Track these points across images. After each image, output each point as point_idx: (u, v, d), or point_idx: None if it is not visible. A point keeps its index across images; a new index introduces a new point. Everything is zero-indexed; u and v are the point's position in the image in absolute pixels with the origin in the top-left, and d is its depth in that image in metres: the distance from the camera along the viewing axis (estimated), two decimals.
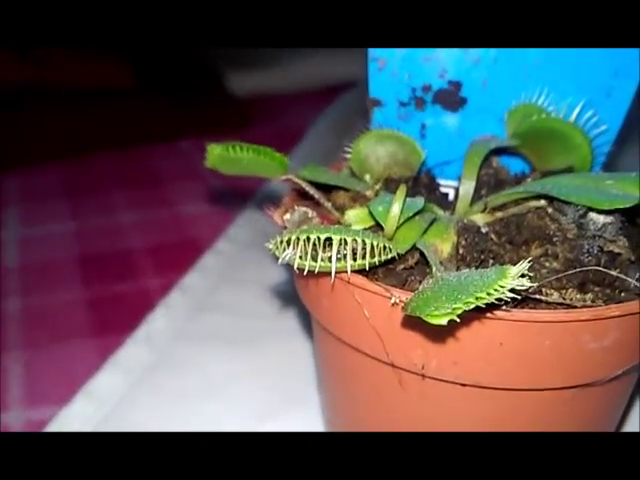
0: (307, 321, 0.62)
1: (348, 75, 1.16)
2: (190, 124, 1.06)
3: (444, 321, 0.27)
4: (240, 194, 0.87)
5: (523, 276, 0.27)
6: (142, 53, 1.20)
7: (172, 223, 0.83)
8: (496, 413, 0.35)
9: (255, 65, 1.23)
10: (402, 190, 0.34)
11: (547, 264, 0.35)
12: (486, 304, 0.29)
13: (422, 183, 0.44)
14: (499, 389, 0.33)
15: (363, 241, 0.32)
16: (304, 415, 0.51)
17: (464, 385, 0.33)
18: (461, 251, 0.35)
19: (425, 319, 0.27)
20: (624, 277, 0.32)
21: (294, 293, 0.65)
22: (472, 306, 0.27)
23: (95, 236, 0.80)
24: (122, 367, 0.57)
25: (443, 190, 0.45)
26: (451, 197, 0.46)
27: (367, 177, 0.42)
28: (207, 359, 0.58)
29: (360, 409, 0.40)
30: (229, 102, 1.15)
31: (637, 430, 0.48)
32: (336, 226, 0.33)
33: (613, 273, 0.32)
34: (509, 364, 0.32)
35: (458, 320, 0.27)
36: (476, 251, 0.35)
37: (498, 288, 0.27)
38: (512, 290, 0.27)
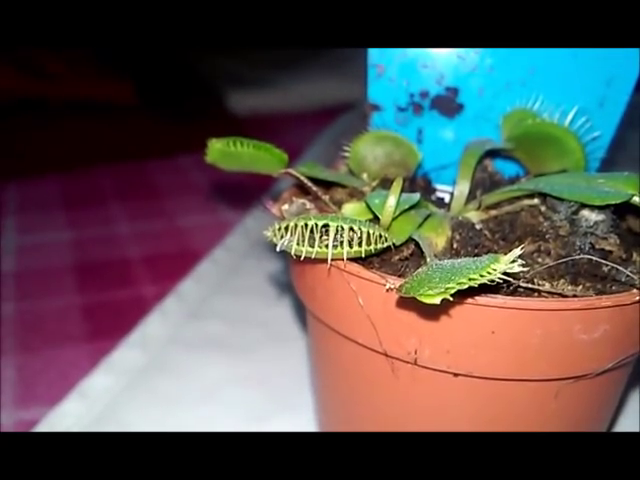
0: (301, 327, 0.62)
1: (346, 97, 1.17)
2: (189, 141, 1.07)
3: (437, 300, 0.27)
4: (238, 206, 0.88)
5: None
6: (144, 70, 1.22)
7: (169, 234, 0.83)
8: (487, 404, 0.35)
9: (255, 85, 1.25)
10: (398, 182, 0.34)
11: (540, 260, 0.36)
12: (479, 292, 0.30)
13: (418, 185, 0.44)
14: (490, 379, 0.33)
15: (360, 229, 0.32)
16: (297, 419, 0.52)
17: (456, 375, 0.34)
18: (455, 245, 0.36)
19: (419, 298, 0.28)
20: (617, 267, 0.32)
21: (289, 301, 0.66)
22: (465, 286, 0.27)
23: (91, 245, 0.81)
24: (115, 369, 0.57)
25: (439, 195, 0.46)
26: (447, 201, 0.46)
27: (364, 176, 0.43)
28: (200, 363, 0.58)
29: (353, 401, 0.40)
30: (228, 120, 1.16)
31: (634, 429, 0.49)
32: (333, 214, 0.34)
33: (604, 262, 0.33)
34: (500, 353, 0.32)
35: (451, 299, 0.27)
36: (470, 246, 0.36)
37: (491, 271, 0.27)
38: (505, 274, 0.28)
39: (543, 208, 0.37)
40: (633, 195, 0.34)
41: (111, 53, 1.26)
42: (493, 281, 0.27)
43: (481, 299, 0.31)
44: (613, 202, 0.34)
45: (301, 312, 0.63)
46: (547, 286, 0.33)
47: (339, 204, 0.40)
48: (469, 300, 0.31)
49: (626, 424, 0.49)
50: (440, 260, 0.32)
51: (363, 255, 0.33)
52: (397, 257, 0.35)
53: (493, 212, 0.39)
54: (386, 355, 0.35)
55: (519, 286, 0.33)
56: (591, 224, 0.36)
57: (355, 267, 0.33)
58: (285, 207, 0.37)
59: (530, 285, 0.32)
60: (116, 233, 0.84)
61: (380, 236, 0.33)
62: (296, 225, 0.33)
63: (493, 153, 0.45)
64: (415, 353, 0.33)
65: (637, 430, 0.49)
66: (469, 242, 0.36)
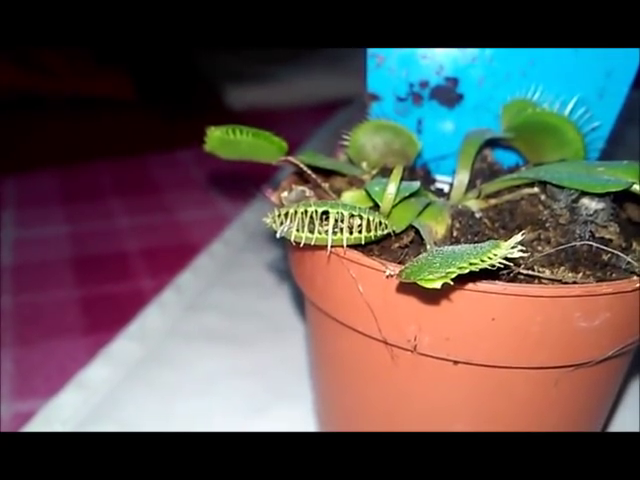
0: (299, 319, 0.62)
1: (345, 92, 1.17)
2: (187, 136, 1.07)
3: (438, 285, 0.27)
4: (236, 200, 0.87)
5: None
6: (142, 65, 1.22)
7: (167, 228, 0.83)
8: (487, 392, 0.35)
9: (253, 80, 1.25)
10: (398, 170, 0.34)
11: (540, 248, 0.35)
12: (479, 278, 0.30)
13: (418, 175, 0.44)
14: (490, 366, 0.33)
15: (360, 215, 0.32)
16: (295, 409, 0.51)
17: (456, 363, 0.34)
18: (455, 233, 0.36)
19: (419, 283, 0.27)
20: (618, 253, 0.32)
21: (287, 292, 0.66)
22: (466, 271, 0.27)
23: (90, 239, 0.81)
24: (113, 361, 0.57)
25: (438, 185, 0.46)
26: (446, 191, 0.46)
27: (364, 165, 0.43)
28: (198, 355, 0.58)
29: (352, 390, 0.40)
30: (227, 115, 1.16)
31: (634, 419, 0.49)
32: (333, 201, 0.34)
33: (605, 249, 0.33)
34: (500, 340, 0.32)
35: (452, 283, 0.27)
36: (470, 234, 0.36)
37: (492, 256, 0.27)
38: (506, 259, 0.28)
39: (543, 197, 0.37)
40: (633, 183, 0.34)
41: (110, 49, 1.26)
42: (494, 266, 0.27)
43: (481, 285, 0.30)
44: (613, 190, 0.33)
45: (299, 304, 0.63)
46: (547, 273, 0.33)
47: (338, 192, 0.39)
48: (469, 286, 0.30)
49: (626, 414, 0.49)
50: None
51: (363, 242, 0.33)
52: (397, 244, 0.35)
53: (493, 201, 0.39)
54: (385, 343, 0.35)
55: (519, 273, 0.32)
56: (591, 212, 0.35)
57: (355, 254, 0.33)
58: (284, 194, 0.37)
59: (530, 272, 0.32)
60: (115, 227, 0.84)
61: (380, 223, 0.33)
62: (296, 212, 0.32)
63: (492, 143, 0.45)
64: (415, 340, 0.33)
65: (637, 419, 0.49)
66: (469, 230, 0.36)
